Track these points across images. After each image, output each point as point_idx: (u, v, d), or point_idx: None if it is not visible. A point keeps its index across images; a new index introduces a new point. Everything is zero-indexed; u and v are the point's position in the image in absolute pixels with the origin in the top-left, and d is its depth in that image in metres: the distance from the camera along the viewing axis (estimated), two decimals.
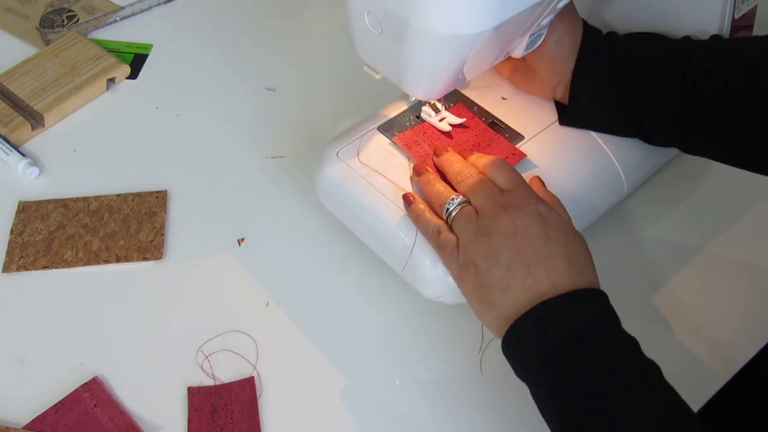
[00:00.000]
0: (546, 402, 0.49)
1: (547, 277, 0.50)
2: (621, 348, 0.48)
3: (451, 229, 0.55)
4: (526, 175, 0.60)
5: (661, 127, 0.63)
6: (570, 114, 0.65)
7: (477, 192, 0.55)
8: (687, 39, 0.63)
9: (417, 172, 0.60)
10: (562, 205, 0.57)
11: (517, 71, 0.68)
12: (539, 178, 0.60)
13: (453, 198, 0.55)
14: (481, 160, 0.59)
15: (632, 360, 0.48)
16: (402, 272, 0.60)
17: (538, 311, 0.49)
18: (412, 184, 0.61)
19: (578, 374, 0.47)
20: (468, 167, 0.58)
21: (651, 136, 0.65)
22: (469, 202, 0.55)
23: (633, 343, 0.49)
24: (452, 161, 0.59)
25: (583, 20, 0.64)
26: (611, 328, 0.49)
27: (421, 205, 0.57)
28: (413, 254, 0.58)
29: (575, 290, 0.49)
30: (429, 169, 0.60)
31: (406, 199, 0.58)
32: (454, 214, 0.55)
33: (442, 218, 0.56)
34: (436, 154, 0.61)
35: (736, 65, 0.59)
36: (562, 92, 0.65)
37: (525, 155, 0.63)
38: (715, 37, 0.63)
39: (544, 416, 0.49)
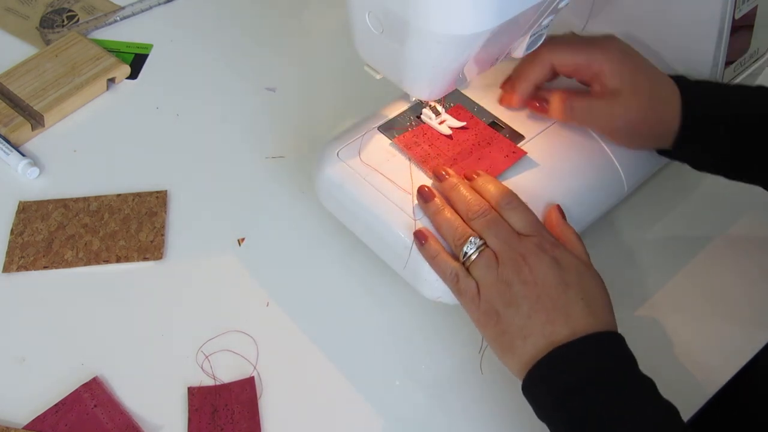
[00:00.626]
0: None
1: (566, 324, 0.51)
2: (633, 391, 0.49)
3: (467, 270, 0.55)
4: (533, 176, 0.60)
5: None
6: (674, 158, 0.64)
7: (493, 236, 0.55)
8: None
9: (424, 198, 0.58)
10: (579, 239, 0.57)
11: (619, 135, 0.64)
12: (558, 209, 0.59)
13: (471, 241, 0.55)
14: (488, 186, 0.58)
15: (646, 402, 0.48)
16: (403, 271, 0.60)
17: (554, 357, 0.50)
18: (417, 206, 0.59)
19: (590, 417, 0.48)
20: (479, 200, 0.56)
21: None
22: (485, 243, 0.55)
23: (648, 385, 0.49)
24: (459, 190, 0.57)
25: (678, 78, 0.61)
26: (624, 372, 0.50)
27: (436, 245, 0.57)
28: (414, 255, 0.58)
29: (589, 335, 0.50)
30: (437, 193, 0.58)
31: (419, 237, 0.57)
32: (473, 258, 0.54)
33: (456, 255, 0.56)
34: (438, 179, 0.59)
35: None
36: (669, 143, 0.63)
37: (525, 153, 0.63)
38: None
39: None
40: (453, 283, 0.55)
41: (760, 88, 0.62)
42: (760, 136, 0.60)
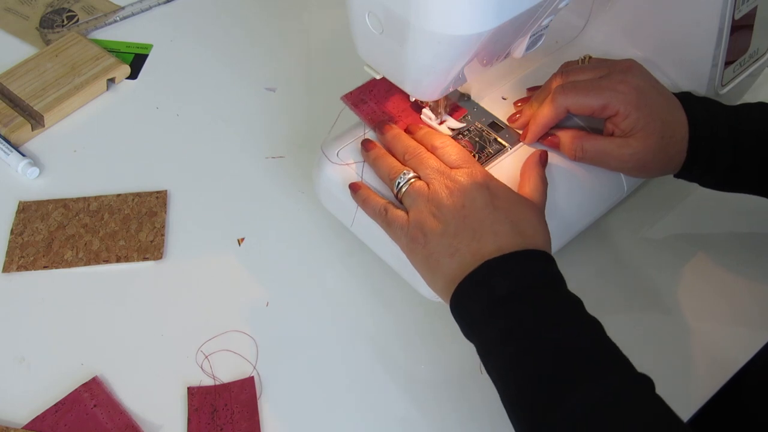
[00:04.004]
0: (489, 353, 0.51)
1: (493, 241, 0.52)
2: (563, 302, 0.50)
3: (401, 203, 0.58)
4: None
5: None
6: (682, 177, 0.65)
7: (425, 167, 0.57)
8: None
9: (366, 147, 0.61)
10: (541, 181, 0.58)
11: (628, 172, 0.64)
12: (542, 155, 0.60)
13: (404, 173, 0.58)
14: (427, 136, 0.61)
15: (574, 313, 0.50)
16: (402, 271, 0.60)
17: (482, 270, 0.51)
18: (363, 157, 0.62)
19: (520, 324, 0.49)
20: (415, 144, 0.60)
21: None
22: (419, 177, 0.57)
23: (576, 300, 0.51)
24: (399, 138, 0.61)
25: (684, 97, 0.62)
26: (554, 285, 0.51)
27: (366, 191, 0.60)
28: (402, 256, 0.58)
29: (519, 251, 0.51)
30: (377, 144, 0.62)
31: (352, 187, 0.61)
32: (404, 189, 0.57)
33: (393, 192, 0.58)
34: (381, 132, 0.62)
35: None
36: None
37: (465, 111, 0.65)
38: None
39: (488, 371, 0.51)
40: (382, 216, 0.58)
41: (761, 104, 0.63)
42: (760, 151, 0.60)
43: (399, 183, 0.58)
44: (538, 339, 0.48)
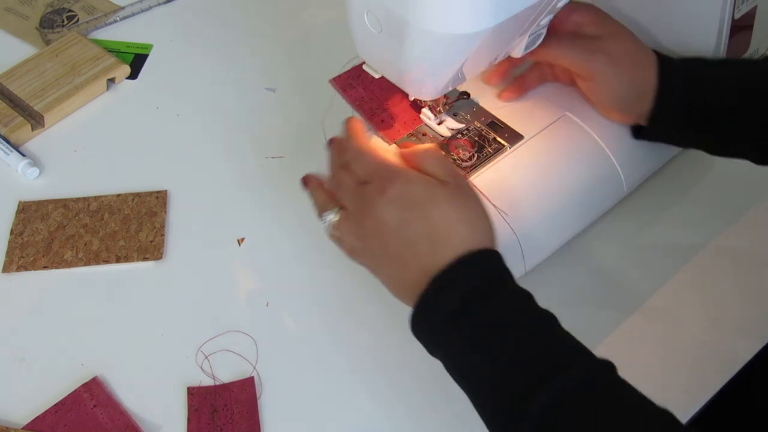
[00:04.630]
0: (452, 367, 0.51)
1: (419, 267, 0.50)
2: (511, 303, 0.49)
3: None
4: (531, 176, 0.60)
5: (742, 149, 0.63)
6: (647, 134, 0.65)
7: (341, 194, 0.56)
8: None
9: (304, 184, 0.60)
10: (432, 148, 0.55)
11: (607, 111, 0.65)
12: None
13: (324, 215, 0.56)
14: (344, 147, 0.57)
15: (526, 312, 0.49)
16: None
17: (423, 300, 0.50)
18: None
19: (475, 334, 0.48)
20: (337, 165, 0.57)
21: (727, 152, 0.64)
22: (342, 207, 0.55)
23: (526, 296, 0.50)
24: (330, 159, 0.58)
25: (654, 51, 0.62)
26: (497, 286, 0.50)
27: (316, 191, 0.59)
28: None
29: (448, 265, 0.49)
30: (313, 178, 0.59)
31: (303, 181, 0.60)
32: (329, 232, 0.56)
33: None
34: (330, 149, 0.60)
35: None
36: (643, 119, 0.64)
37: (421, 123, 0.66)
38: None
39: (459, 385, 0.51)
40: (330, 237, 0.57)
41: (742, 61, 0.63)
42: (743, 111, 0.60)
43: (323, 226, 0.56)
44: (495, 345, 0.48)
